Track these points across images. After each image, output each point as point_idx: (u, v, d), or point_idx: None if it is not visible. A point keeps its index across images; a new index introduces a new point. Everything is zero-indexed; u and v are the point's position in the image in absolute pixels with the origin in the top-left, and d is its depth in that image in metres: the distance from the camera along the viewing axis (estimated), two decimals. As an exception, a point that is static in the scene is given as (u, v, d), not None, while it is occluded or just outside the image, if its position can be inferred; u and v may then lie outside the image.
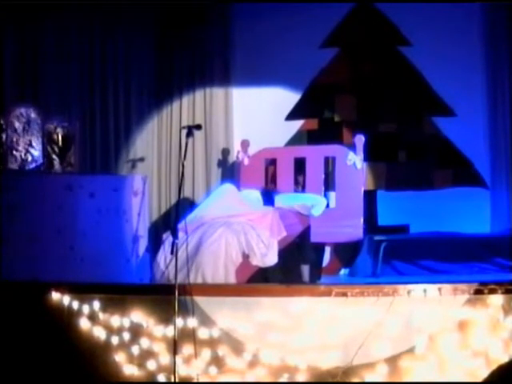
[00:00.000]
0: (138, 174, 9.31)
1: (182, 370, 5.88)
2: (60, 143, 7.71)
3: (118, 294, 6.12)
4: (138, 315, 6.01)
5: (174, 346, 5.73)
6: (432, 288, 5.79)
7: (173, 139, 10.02)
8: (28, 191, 7.13)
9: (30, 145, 7.58)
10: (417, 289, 5.80)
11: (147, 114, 10.02)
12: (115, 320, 6.05)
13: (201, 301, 5.96)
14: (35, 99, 8.69)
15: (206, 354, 5.91)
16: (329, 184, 8.72)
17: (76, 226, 7.31)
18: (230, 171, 9.81)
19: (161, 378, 5.98)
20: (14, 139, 7.54)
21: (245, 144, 9.02)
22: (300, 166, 8.72)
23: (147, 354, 5.99)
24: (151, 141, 10.07)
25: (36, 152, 7.60)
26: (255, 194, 7.74)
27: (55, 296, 6.18)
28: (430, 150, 9.52)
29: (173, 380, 5.76)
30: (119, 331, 6.04)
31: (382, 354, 5.76)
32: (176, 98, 10.12)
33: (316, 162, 8.62)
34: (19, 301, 6.20)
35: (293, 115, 9.82)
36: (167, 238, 6.95)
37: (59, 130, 7.73)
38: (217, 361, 5.91)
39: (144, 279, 7.33)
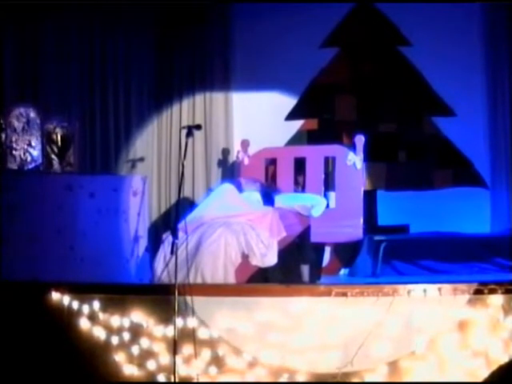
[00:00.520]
0: (137, 174, 9.30)
1: (182, 370, 5.88)
2: (59, 143, 7.71)
3: (118, 294, 6.12)
4: (138, 315, 6.01)
5: (174, 346, 5.73)
6: (432, 288, 5.79)
7: (173, 139, 10.02)
8: (28, 191, 7.13)
9: (30, 145, 7.58)
10: (417, 289, 5.80)
11: (147, 114, 10.01)
12: (115, 320, 6.05)
13: (200, 301, 5.95)
14: (35, 99, 8.68)
15: (205, 354, 5.91)
16: (329, 184, 8.72)
17: (76, 226, 7.31)
18: (230, 171, 9.80)
19: (161, 378, 5.98)
20: (14, 139, 7.54)
21: (245, 144, 9.01)
22: (300, 165, 8.71)
23: (147, 354, 5.99)
24: (151, 141, 10.06)
25: (35, 152, 7.60)
26: (255, 196, 7.73)
27: (55, 296, 6.18)
28: (430, 150, 9.52)
29: (173, 380, 5.76)
30: (119, 331, 6.04)
31: (382, 354, 5.76)
32: (176, 97, 10.12)
33: (316, 162, 8.61)
34: (19, 301, 6.20)
35: (293, 115, 9.82)
36: (167, 237, 6.94)
37: (58, 130, 7.73)
38: (217, 361, 5.91)
39: (144, 279, 7.33)
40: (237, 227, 6.97)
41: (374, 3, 9.70)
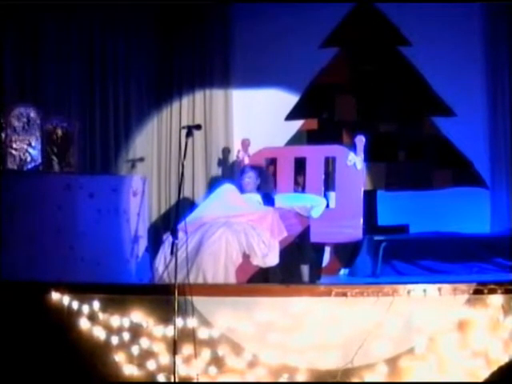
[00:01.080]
0: (137, 174, 9.31)
1: (182, 370, 5.88)
2: (59, 143, 7.72)
3: (118, 294, 6.12)
4: (138, 315, 6.01)
5: (174, 346, 5.73)
6: (432, 288, 5.78)
7: (173, 139, 10.02)
8: (27, 191, 7.13)
9: (29, 145, 7.58)
10: (417, 289, 5.80)
11: (147, 114, 10.02)
12: (115, 320, 6.04)
13: (201, 301, 5.95)
14: (35, 99, 8.68)
15: (205, 354, 5.91)
16: (329, 184, 8.72)
17: (76, 226, 7.31)
18: (230, 171, 9.80)
19: (161, 378, 5.98)
20: (13, 139, 7.54)
21: (245, 143, 9.01)
22: (300, 165, 8.72)
23: (147, 354, 5.99)
24: (151, 141, 10.07)
25: (35, 152, 7.60)
26: (256, 197, 7.72)
27: (55, 296, 6.17)
28: (430, 150, 9.52)
29: (173, 380, 5.76)
30: (119, 331, 6.04)
31: (381, 354, 5.76)
32: (176, 97, 10.13)
33: (316, 162, 8.61)
34: (19, 301, 6.20)
35: (293, 115, 9.82)
36: (167, 238, 6.94)
37: (58, 130, 7.73)
38: (217, 361, 5.91)
39: (144, 279, 7.33)
40: (238, 227, 6.97)
41: (374, 3, 9.71)
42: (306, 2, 9.65)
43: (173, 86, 10.15)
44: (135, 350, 6.01)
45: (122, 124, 9.76)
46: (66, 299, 6.15)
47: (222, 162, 10.01)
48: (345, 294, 5.81)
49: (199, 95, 10.14)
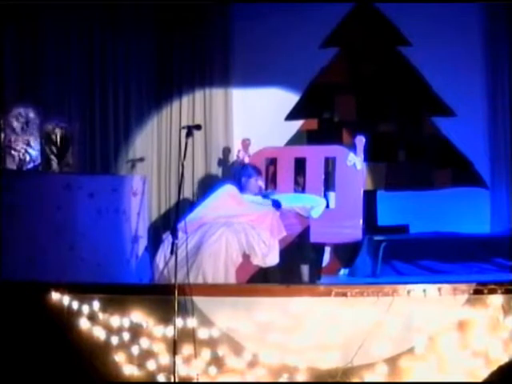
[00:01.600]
0: (137, 174, 9.31)
1: (182, 370, 5.88)
2: (58, 143, 7.72)
3: (118, 294, 6.12)
4: (138, 315, 6.01)
5: (174, 346, 5.72)
6: (432, 288, 5.78)
7: (173, 139, 10.03)
8: (27, 191, 7.12)
9: (29, 145, 7.58)
10: (417, 289, 5.79)
11: (147, 114, 10.02)
12: (115, 320, 6.04)
13: (201, 301, 5.95)
14: (35, 99, 8.68)
15: (205, 354, 5.91)
16: (329, 184, 8.72)
17: (75, 226, 7.31)
18: (230, 171, 9.80)
19: (161, 378, 5.97)
20: (13, 139, 7.54)
21: (245, 143, 9.02)
22: (300, 165, 8.72)
23: (147, 354, 5.99)
24: (151, 141, 10.07)
25: (34, 152, 7.60)
26: (257, 199, 7.72)
27: (55, 296, 6.17)
28: (430, 150, 9.52)
29: (173, 380, 5.76)
30: (119, 331, 6.04)
31: (381, 354, 5.76)
32: (176, 97, 10.13)
33: (316, 162, 8.62)
34: (19, 301, 6.20)
35: (293, 115, 9.82)
36: (167, 237, 6.94)
37: (57, 131, 7.73)
38: (217, 361, 5.90)
39: (144, 279, 7.33)
40: (238, 227, 6.97)
41: (374, 3, 9.71)
42: (305, 1, 9.65)
43: (173, 86, 10.15)
44: (135, 349, 6.01)
45: (122, 124, 9.76)
46: (66, 299, 6.15)
47: (222, 161, 10.01)
48: (345, 294, 5.81)
49: (199, 95, 10.15)
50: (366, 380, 5.78)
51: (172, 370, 5.75)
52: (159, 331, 5.96)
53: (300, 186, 8.71)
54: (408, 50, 9.68)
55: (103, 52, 9.63)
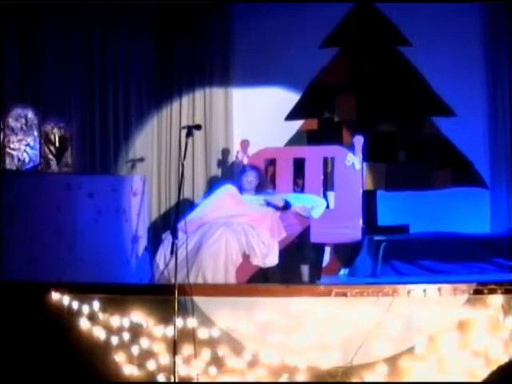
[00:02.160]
0: (137, 174, 9.31)
1: (182, 370, 5.88)
2: (57, 144, 7.72)
3: (118, 294, 6.12)
4: (138, 315, 6.01)
5: (174, 346, 5.72)
6: (432, 288, 5.78)
7: (173, 139, 10.03)
8: (27, 191, 7.12)
9: (27, 145, 7.58)
10: (417, 289, 5.79)
11: (147, 114, 10.02)
12: (115, 320, 6.04)
13: (201, 301, 5.95)
14: (35, 99, 8.68)
15: (205, 353, 5.91)
16: (328, 184, 8.73)
17: (75, 227, 7.31)
18: (229, 171, 9.81)
19: (161, 378, 5.97)
20: (12, 139, 7.54)
21: (244, 144, 9.03)
22: (299, 166, 8.72)
23: (147, 354, 5.99)
24: (151, 141, 10.07)
25: (33, 152, 7.60)
26: (256, 198, 7.72)
27: (55, 296, 6.17)
28: (430, 150, 9.51)
29: (173, 380, 5.76)
30: (119, 331, 6.04)
31: (381, 354, 5.76)
32: (176, 97, 10.13)
33: (315, 163, 8.63)
34: (19, 301, 6.20)
35: (292, 115, 9.82)
36: (167, 237, 6.95)
37: (56, 131, 7.74)
38: (217, 361, 5.91)
39: (144, 279, 7.33)
40: (238, 227, 6.97)
41: (374, 3, 9.70)
42: (305, 1, 9.65)
43: (173, 86, 10.15)
44: (135, 349, 6.01)
45: (122, 124, 9.76)
46: (66, 299, 6.15)
47: (222, 162, 10.01)
48: (345, 294, 5.81)
49: (199, 95, 10.15)
50: (366, 380, 5.78)
51: (172, 370, 5.75)
52: (159, 331, 5.96)
53: (299, 186, 8.72)
54: (408, 50, 9.67)
55: (103, 52, 9.63)
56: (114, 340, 6.05)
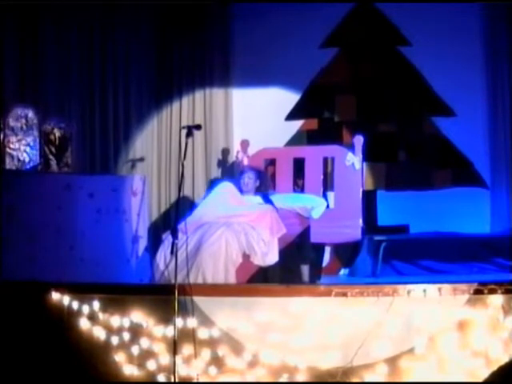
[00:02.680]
0: (137, 174, 9.30)
1: (182, 370, 5.88)
2: (57, 144, 7.72)
3: (118, 294, 6.12)
4: (138, 315, 6.01)
5: (174, 346, 5.73)
6: (432, 288, 5.79)
7: (173, 139, 10.02)
8: (27, 191, 7.13)
9: (27, 145, 7.58)
10: (417, 289, 5.80)
11: (147, 114, 10.01)
12: (115, 320, 6.04)
13: (201, 301, 5.95)
14: (35, 99, 8.68)
15: (205, 353, 5.91)
16: (327, 184, 8.72)
17: (75, 226, 7.32)
18: (229, 171, 9.81)
19: (161, 378, 5.98)
20: (12, 139, 7.54)
21: (244, 144, 9.02)
22: (299, 166, 8.72)
23: (147, 354, 5.99)
24: (151, 141, 10.06)
25: (33, 152, 7.60)
26: (255, 199, 7.72)
27: (55, 296, 6.18)
28: (430, 150, 9.51)
29: (173, 380, 5.76)
30: (119, 331, 6.04)
31: (381, 354, 5.76)
32: (176, 97, 10.12)
33: (315, 163, 8.62)
34: (19, 301, 6.20)
35: (293, 115, 9.81)
36: (167, 237, 6.95)
37: (56, 131, 7.74)
38: (217, 361, 5.91)
39: (144, 279, 7.34)
40: (237, 227, 6.97)
41: (374, 3, 9.70)
42: (305, 1, 9.65)
43: (173, 86, 10.14)
44: (135, 349, 6.02)
45: (122, 124, 9.75)
46: (66, 299, 6.15)
47: (222, 162, 10.01)
48: (345, 294, 5.81)
49: (199, 95, 10.14)
50: (366, 380, 5.78)
51: (172, 370, 5.76)
52: (159, 331, 5.97)
53: (299, 186, 8.71)
54: (408, 50, 9.67)
55: (103, 52, 9.62)
56: (114, 340, 6.05)
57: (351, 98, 9.47)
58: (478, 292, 5.75)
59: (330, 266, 8.76)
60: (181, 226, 6.48)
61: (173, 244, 5.88)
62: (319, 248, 8.33)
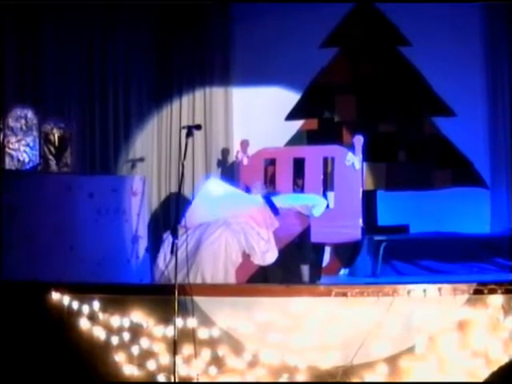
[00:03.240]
0: (137, 174, 9.30)
1: (182, 370, 5.88)
2: (56, 144, 7.72)
3: (118, 294, 6.12)
4: (138, 315, 6.01)
5: (174, 346, 5.72)
6: (432, 288, 5.79)
7: (173, 139, 10.02)
8: (27, 192, 7.13)
9: (27, 145, 7.58)
10: (417, 289, 5.80)
11: (147, 114, 10.01)
12: (115, 320, 6.05)
13: (201, 301, 5.96)
14: (35, 99, 8.68)
15: (205, 353, 5.92)
16: (327, 184, 8.72)
17: (75, 226, 7.31)
18: (229, 171, 9.81)
19: (161, 378, 5.98)
20: (11, 140, 7.54)
21: (244, 144, 9.03)
22: (299, 166, 8.72)
23: (147, 354, 5.99)
24: (151, 141, 10.06)
25: (32, 152, 7.60)
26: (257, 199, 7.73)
27: (55, 296, 6.18)
28: (430, 150, 9.51)
29: (173, 380, 5.76)
30: (119, 331, 6.04)
31: (381, 354, 5.76)
32: (176, 97, 10.12)
33: (315, 163, 8.63)
34: (19, 301, 6.20)
35: (293, 115, 9.82)
36: (167, 237, 6.95)
37: (56, 131, 7.74)
38: (217, 361, 5.91)
39: (144, 279, 7.34)
40: (237, 227, 6.97)
41: (374, 3, 9.70)
42: (305, 2, 9.65)
43: (173, 86, 10.14)
44: (135, 349, 6.02)
45: (122, 124, 9.76)
46: (66, 299, 6.15)
47: (222, 162, 10.01)
48: (345, 294, 5.81)
49: (199, 95, 10.14)
50: (366, 380, 5.78)
51: (172, 370, 5.76)
52: (159, 331, 5.97)
53: (299, 186, 8.71)
54: (408, 50, 9.67)
55: (103, 52, 9.63)
56: (114, 340, 6.05)
57: (351, 98, 9.47)
58: (477, 292, 5.75)
59: (330, 265, 8.76)
60: (181, 226, 6.48)
61: (173, 244, 5.88)
62: (319, 248, 8.33)
